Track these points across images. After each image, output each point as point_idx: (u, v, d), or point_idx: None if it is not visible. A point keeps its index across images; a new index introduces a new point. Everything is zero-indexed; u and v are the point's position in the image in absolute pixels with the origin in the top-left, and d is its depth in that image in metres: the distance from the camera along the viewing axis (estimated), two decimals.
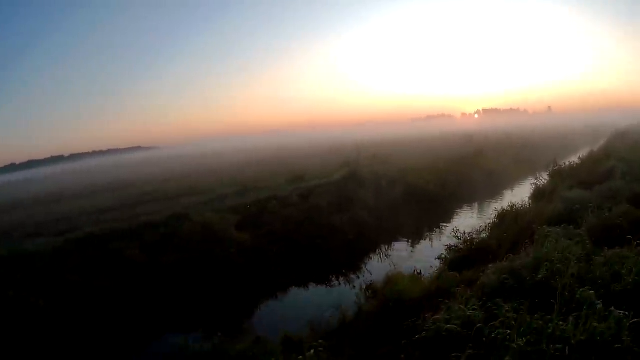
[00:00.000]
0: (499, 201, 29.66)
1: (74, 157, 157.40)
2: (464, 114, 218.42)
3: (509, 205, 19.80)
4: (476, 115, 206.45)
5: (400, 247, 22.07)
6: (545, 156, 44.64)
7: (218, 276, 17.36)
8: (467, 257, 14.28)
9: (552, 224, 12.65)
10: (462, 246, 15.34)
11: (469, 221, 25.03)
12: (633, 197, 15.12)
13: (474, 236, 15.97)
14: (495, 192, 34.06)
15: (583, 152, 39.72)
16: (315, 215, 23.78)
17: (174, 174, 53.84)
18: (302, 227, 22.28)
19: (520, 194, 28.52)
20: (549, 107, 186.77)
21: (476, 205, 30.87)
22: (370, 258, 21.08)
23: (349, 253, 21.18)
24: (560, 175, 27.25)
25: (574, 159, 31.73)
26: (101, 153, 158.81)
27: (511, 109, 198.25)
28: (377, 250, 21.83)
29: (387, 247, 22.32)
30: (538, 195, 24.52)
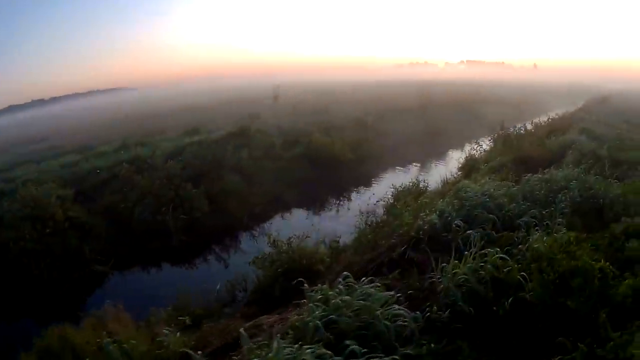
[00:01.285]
0: (423, 171, 25.48)
1: (54, 100, 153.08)
2: (447, 63, 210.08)
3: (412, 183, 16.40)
4: (462, 66, 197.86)
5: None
6: (510, 115, 38.92)
7: None
8: None
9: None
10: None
11: (362, 199, 19.85)
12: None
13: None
14: (427, 156, 28.93)
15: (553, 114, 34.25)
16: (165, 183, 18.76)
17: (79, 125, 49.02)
18: (144, 199, 17.90)
19: (454, 163, 24.31)
20: (535, 64, 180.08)
21: (386, 176, 25.09)
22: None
23: (202, 230, 17.46)
24: (502, 144, 20.69)
25: (538, 120, 27.03)
26: (81, 95, 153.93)
27: (496, 62, 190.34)
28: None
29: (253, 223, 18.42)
30: (468, 168, 19.68)
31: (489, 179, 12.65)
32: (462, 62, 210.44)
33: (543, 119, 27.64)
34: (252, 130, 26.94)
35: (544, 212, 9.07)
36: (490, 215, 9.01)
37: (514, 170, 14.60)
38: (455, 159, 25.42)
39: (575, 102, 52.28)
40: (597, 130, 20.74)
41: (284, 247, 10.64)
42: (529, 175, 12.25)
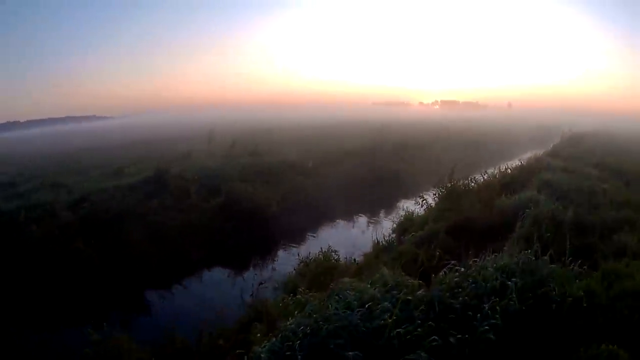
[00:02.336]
0: (355, 228, 22.51)
1: (30, 123, 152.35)
2: (421, 103, 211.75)
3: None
4: (436, 106, 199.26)
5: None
6: (474, 159, 38.05)
7: None
8: None
9: None
10: None
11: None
12: None
13: None
14: (369, 208, 25.38)
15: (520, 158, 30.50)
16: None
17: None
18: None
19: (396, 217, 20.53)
20: (509, 104, 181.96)
21: (315, 234, 21.86)
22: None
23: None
24: (444, 202, 16.77)
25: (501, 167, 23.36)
26: (58, 120, 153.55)
27: (470, 102, 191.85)
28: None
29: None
30: (402, 230, 16.40)
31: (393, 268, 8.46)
32: (435, 102, 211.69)
33: (509, 162, 25.08)
34: (170, 174, 23.73)
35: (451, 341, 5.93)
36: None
37: (446, 244, 11.46)
38: (397, 213, 21.62)
39: (547, 142, 49.68)
40: (562, 181, 16.83)
41: None
42: (447, 267, 8.01)
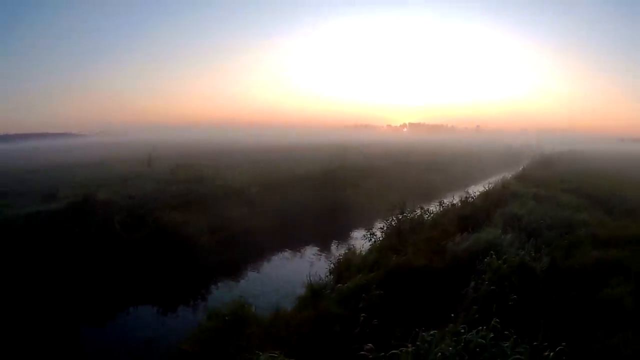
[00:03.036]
0: (292, 264, 19.26)
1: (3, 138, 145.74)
2: (389, 126, 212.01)
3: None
4: (405, 129, 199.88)
5: None
6: (436, 185, 36.46)
7: None
8: None
9: None
10: None
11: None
12: None
13: None
14: (313, 241, 22.39)
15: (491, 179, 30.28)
16: None
17: None
18: None
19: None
20: (478, 126, 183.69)
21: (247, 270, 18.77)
22: None
23: None
24: (393, 238, 13.59)
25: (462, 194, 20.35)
26: (34, 136, 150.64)
27: (438, 124, 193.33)
28: None
29: None
30: (339, 272, 13.38)
31: None
32: (404, 124, 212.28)
33: (475, 186, 23.05)
34: (98, 200, 21.03)
35: None
36: None
37: (378, 302, 9.08)
38: (341, 247, 19.60)
39: (516, 164, 47.74)
40: (534, 214, 13.77)
41: None
42: None
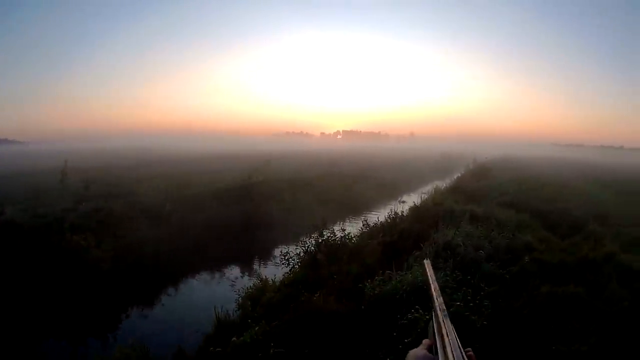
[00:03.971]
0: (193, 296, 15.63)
1: None
2: (323, 134, 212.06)
3: None
4: (339, 136, 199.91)
5: None
6: (364, 197, 34.04)
7: None
8: None
9: None
10: None
11: None
12: None
13: None
14: (226, 265, 19.38)
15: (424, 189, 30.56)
16: None
17: None
18: None
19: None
20: (412, 133, 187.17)
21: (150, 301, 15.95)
22: None
23: None
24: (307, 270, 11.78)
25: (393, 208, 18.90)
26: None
27: (372, 132, 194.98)
28: None
29: None
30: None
31: None
32: (338, 132, 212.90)
33: (406, 198, 21.69)
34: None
35: None
36: None
37: None
38: (256, 273, 17.55)
39: (451, 172, 47.20)
40: (471, 237, 11.83)
41: None
42: None
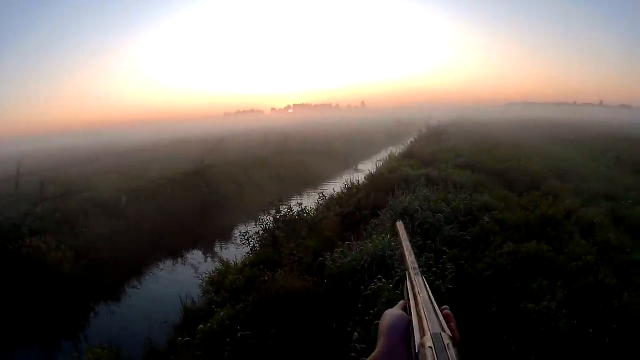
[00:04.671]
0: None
1: None
2: (274, 109, 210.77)
3: None
4: (290, 110, 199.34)
5: None
6: (319, 170, 33.87)
7: None
8: None
9: None
10: None
11: None
12: None
13: None
14: (192, 251, 19.01)
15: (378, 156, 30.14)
16: None
17: None
18: None
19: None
20: (363, 103, 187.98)
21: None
22: None
23: None
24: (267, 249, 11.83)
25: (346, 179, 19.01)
26: None
27: (323, 104, 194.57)
28: None
29: None
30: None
31: None
32: (288, 107, 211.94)
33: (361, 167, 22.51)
34: None
35: None
36: None
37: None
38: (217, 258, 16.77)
39: (404, 138, 47.16)
40: (428, 201, 11.76)
41: None
42: None
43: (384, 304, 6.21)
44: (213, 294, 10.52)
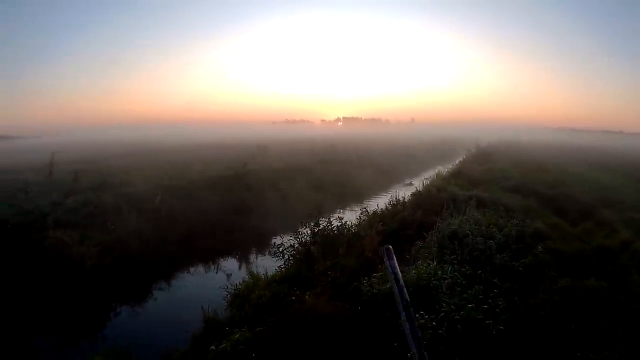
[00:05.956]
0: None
1: None
2: (323, 121, 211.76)
3: None
4: (340, 123, 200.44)
5: None
6: (368, 181, 33.39)
7: None
8: None
9: None
10: None
11: None
12: None
13: None
14: (223, 258, 18.53)
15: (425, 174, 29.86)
16: None
17: None
18: None
19: None
20: (412, 119, 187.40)
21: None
22: None
23: None
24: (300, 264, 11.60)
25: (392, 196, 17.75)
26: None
27: (372, 118, 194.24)
28: None
29: None
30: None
31: None
32: (338, 119, 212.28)
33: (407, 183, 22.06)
34: None
35: None
36: None
37: None
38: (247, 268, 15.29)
39: (452, 157, 46.29)
40: (478, 225, 10.74)
41: None
42: None
43: (424, 347, 5.31)
44: (235, 310, 9.91)
